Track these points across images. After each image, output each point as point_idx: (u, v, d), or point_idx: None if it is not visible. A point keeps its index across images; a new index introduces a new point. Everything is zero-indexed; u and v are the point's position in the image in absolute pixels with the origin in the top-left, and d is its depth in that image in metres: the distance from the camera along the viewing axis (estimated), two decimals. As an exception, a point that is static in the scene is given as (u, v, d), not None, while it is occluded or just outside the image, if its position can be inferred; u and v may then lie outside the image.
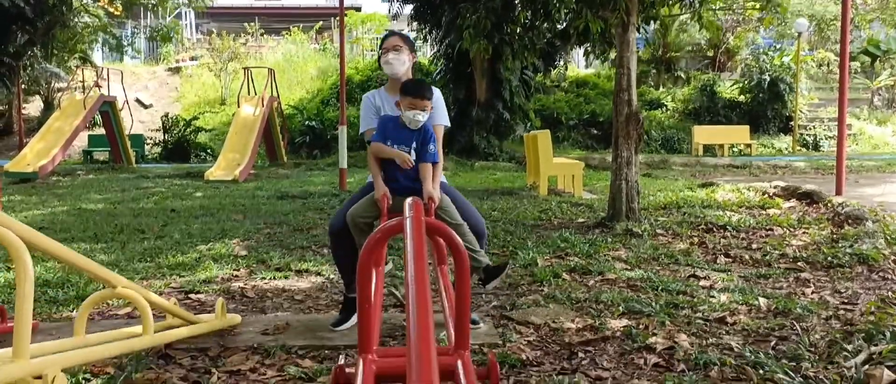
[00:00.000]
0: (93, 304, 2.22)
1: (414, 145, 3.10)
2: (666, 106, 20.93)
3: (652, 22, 7.51)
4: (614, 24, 6.23)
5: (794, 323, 3.27)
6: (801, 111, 19.55)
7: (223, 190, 10.48)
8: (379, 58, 3.38)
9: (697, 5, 6.83)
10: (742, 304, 3.66)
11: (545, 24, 7.14)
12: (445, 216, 2.90)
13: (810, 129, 19.60)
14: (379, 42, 3.47)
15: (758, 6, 19.19)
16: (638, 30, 6.58)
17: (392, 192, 3.03)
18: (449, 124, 3.37)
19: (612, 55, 7.92)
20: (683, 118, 20.38)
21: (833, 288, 4.01)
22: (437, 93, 3.30)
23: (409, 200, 1.58)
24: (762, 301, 3.67)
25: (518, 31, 7.57)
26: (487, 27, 7.27)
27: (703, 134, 18.24)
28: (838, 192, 8.54)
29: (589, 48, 8.15)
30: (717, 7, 18.10)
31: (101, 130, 17.84)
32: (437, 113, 3.28)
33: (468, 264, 1.49)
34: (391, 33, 3.40)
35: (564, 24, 7.07)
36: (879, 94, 22.57)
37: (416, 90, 3.05)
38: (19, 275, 1.57)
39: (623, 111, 6.25)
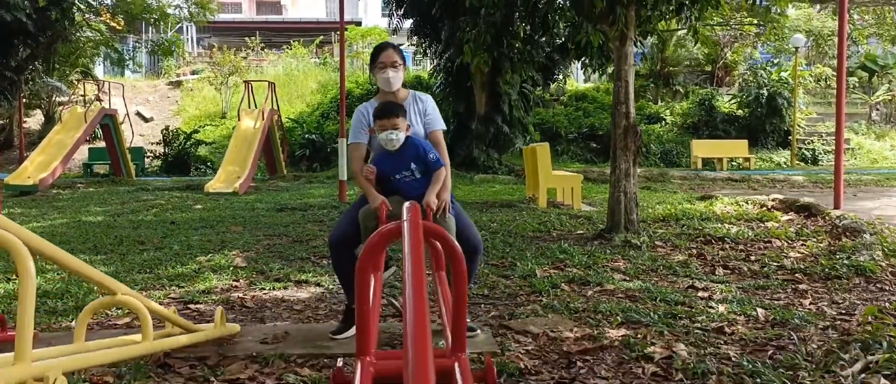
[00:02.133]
0: (93, 311, 2.24)
1: (413, 166, 3.11)
2: (665, 120, 21.02)
3: (649, 36, 7.57)
4: (613, 37, 6.29)
5: (792, 333, 3.28)
6: (799, 125, 19.64)
7: (223, 202, 10.50)
8: (372, 68, 3.34)
9: (694, 21, 6.89)
10: (740, 315, 3.67)
11: (544, 38, 7.19)
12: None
13: (809, 143, 19.67)
14: (371, 53, 3.43)
15: (755, 21, 19.35)
16: (635, 44, 6.64)
17: (394, 204, 3.03)
18: (445, 128, 3.39)
19: (610, 70, 7.98)
20: (682, 132, 20.46)
21: (830, 299, 4.02)
22: (429, 99, 3.35)
23: (407, 204, 1.60)
24: (760, 311, 3.68)
25: (517, 45, 7.63)
26: (487, 41, 7.34)
27: (702, 148, 18.33)
28: (837, 206, 8.57)
29: (586, 61, 8.20)
30: (715, 22, 18.23)
31: (101, 143, 17.88)
32: (432, 118, 3.32)
33: (465, 268, 1.51)
34: (386, 45, 3.37)
35: (564, 39, 7.14)
36: (877, 109, 22.68)
37: (383, 113, 3.07)
38: (22, 279, 1.59)
39: (621, 123, 6.29)
